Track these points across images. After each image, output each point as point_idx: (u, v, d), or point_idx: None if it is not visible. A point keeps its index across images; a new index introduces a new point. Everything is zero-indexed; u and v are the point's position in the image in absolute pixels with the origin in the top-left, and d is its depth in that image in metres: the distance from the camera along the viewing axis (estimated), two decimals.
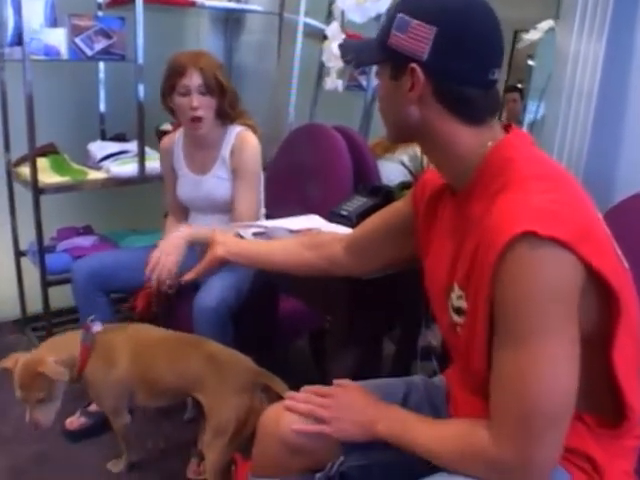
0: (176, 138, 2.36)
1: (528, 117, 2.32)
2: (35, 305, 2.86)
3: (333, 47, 2.03)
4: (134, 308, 2.18)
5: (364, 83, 3.06)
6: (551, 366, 0.91)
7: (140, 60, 2.57)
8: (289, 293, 2.19)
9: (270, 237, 1.82)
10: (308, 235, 1.64)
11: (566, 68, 1.89)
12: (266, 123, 3.07)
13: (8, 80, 2.72)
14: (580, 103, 1.87)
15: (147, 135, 2.77)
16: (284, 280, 1.85)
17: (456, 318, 1.09)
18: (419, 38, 1.02)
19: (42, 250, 2.58)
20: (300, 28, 2.70)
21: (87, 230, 2.91)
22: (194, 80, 2.09)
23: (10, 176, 2.81)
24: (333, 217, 1.96)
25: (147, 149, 2.76)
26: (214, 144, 2.25)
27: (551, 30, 2.24)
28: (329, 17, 2.95)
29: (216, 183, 2.26)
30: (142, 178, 2.73)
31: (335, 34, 1.98)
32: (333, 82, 2.32)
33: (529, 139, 1.11)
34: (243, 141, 2.22)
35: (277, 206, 2.56)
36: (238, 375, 1.81)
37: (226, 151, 2.23)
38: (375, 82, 2.82)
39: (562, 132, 1.92)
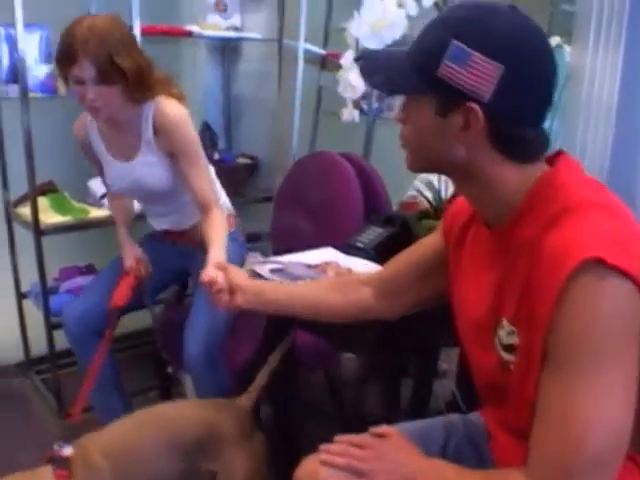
0: (87, 122, 2.05)
1: None
2: (39, 347, 2.79)
3: (349, 77, 1.99)
4: (115, 306, 2.07)
5: (365, 107, 3.02)
6: (606, 399, 0.86)
7: None
8: (306, 329, 2.13)
9: (288, 273, 1.76)
10: (331, 278, 1.56)
11: (582, 84, 1.86)
12: (269, 152, 3.05)
13: (4, 117, 2.67)
14: (599, 119, 1.84)
15: None
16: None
17: (507, 356, 1.02)
18: (482, 75, 0.92)
19: (45, 292, 2.51)
20: (301, 54, 2.68)
21: (90, 269, 2.84)
22: (86, 71, 1.76)
23: (9, 216, 2.75)
24: (349, 249, 1.91)
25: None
26: (132, 126, 1.96)
27: (559, 47, 2.21)
28: (327, 41, 2.93)
29: (147, 171, 2.00)
30: (143, 214, 2.65)
31: (350, 63, 1.94)
32: (350, 113, 2.27)
33: (579, 166, 1.05)
34: (165, 117, 1.92)
35: (286, 238, 2.52)
36: (236, 423, 1.65)
37: (148, 133, 1.95)
38: (376, 105, 2.80)
39: (581, 149, 1.88)
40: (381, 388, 1.74)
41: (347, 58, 2.02)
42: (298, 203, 2.51)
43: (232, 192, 2.99)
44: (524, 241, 0.97)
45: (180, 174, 2.00)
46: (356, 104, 2.86)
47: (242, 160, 3.15)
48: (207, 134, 2.98)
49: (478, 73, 0.92)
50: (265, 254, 2.82)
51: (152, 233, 2.32)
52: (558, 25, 2.37)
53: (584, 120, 1.85)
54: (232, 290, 1.51)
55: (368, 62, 1.11)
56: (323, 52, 2.86)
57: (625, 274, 0.84)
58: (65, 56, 1.76)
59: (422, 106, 1.00)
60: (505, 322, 1.01)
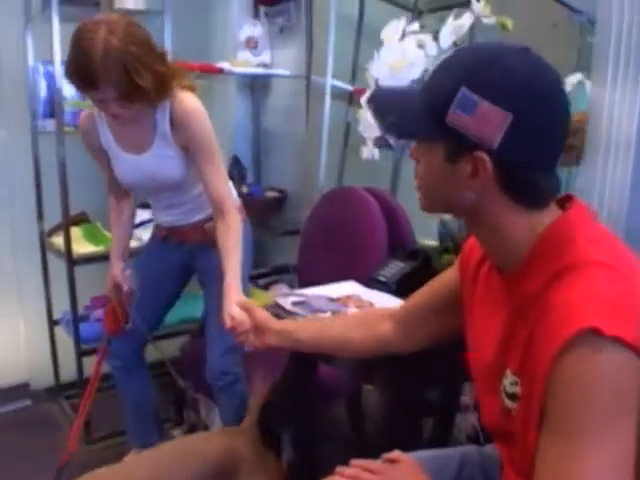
0: (96, 116, 2.02)
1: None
2: (68, 373, 2.86)
3: (368, 116, 2.03)
4: (110, 331, 2.17)
5: (392, 142, 3.05)
6: (600, 473, 0.83)
7: None
8: (328, 362, 2.15)
9: (310, 306, 1.80)
10: (355, 313, 1.56)
11: (601, 120, 1.86)
12: (296, 186, 3.10)
13: (41, 150, 2.78)
14: (618, 155, 1.84)
15: None
16: None
17: (510, 404, 1.02)
18: (490, 124, 0.90)
19: (76, 320, 2.57)
20: (328, 90, 2.73)
21: None
22: (108, 94, 1.75)
23: (44, 245, 2.84)
24: (371, 283, 1.94)
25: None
26: (147, 121, 1.94)
27: (580, 84, 2.23)
28: (354, 78, 2.98)
29: (159, 163, 1.98)
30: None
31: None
32: (370, 151, 2.30)
33: (590, 214, 1.02)
34: (183, 111, 1.91)
35: (312, 270, 2.55)
36: (250, 447, 1.71)
37: (165, 125, 1.93)
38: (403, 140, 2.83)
39: (601, 186, 1.88)
40: (402, 421, 1.74)
41: (367, 98, 2.07)
42: (324, 236, 2.55)
43: (260, 225, 3.07)
44: (530, 294, 0.96)
45: (194, 168, 1.99)
46: (382, 140, 2.91)
47: (270, 193, 3.18)
48: (236, 168, 3.04)
49: (486, 121, 0.90)
50: (291, 286, 2.86)
51: (154, 235, 2.32)
52: (585, 59, 2.37)
53: (603, 157, 1.85)
54: (259, 330, 1.52)
55: (379, 103, 1.11)
56: (350, 88, 2.91)
57: (624, 343, 0.82)
58: (85, 81, 1.73)
59: (432, 151, 0.99)
60: (509, 372, 1.00)
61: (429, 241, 2.35)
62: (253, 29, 3.07)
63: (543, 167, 0.96)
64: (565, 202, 1.03)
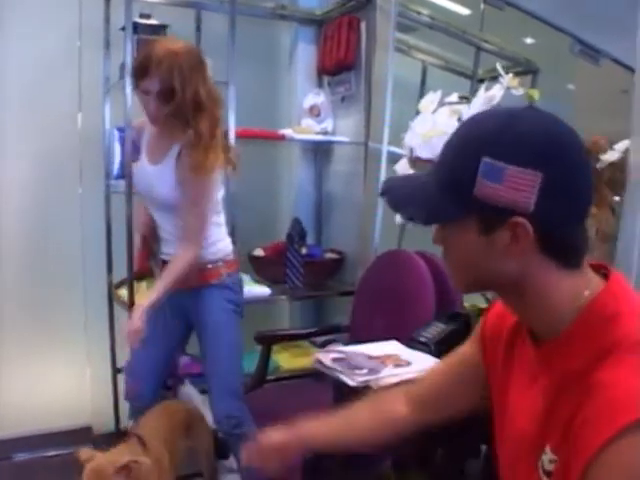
0: (146, 122, 2.27)
1: None
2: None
3: None
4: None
5: None
6: None
7: (232, 189, 2.74)
8: None
9: (349, 363, 1.85)
10: (367, 404, 1.40)
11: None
12: (354, 248, 3.17)
13: (112, 209, 2.97)
14: None
15: (239, 260, 2.90)
16: None
17: None
18: (521, 187, 0.87)
19: (115, 373, 2.72)
20: (384, 156, 2.82)
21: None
22: (152, 86, 2.03)
23: (111, 297, 2.99)
24: (412, 343, 1.98)
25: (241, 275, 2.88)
26: (171, 137, 2.17)
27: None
28: None
29: (161, 177, 2.16)
30: None
31: (404, 170, 2.06)
32: (400, 218, 2.37)
33: (629, 285, 0.98)
34: (190, 160, 2.08)
35: (362, 330, 2.61)
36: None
37: (176, 150, 2.14)
38: None
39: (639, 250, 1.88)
40: None
41: (401, 165, 2.13)
42: (375, 297, 2.61)
43: (319, 285, 3.16)
44: (573, 371, 0.90)
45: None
46: None
47: (330, 255, 3.26)
48: (296, 229, 3.14)
49: (516, 186, 0.87)
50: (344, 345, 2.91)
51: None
52: None
53: None
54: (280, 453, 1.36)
55: (394, 196, 1.06)
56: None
57: None
58: (140, 69, 2.04)
59: (463, 229, 0.94)
60: (549, 449, 0.94)
61: (481, 304, 2.37)
62: (316, 98, 3.22)
63: (578, 221, 0.93)
64: (598, 268, 0.99)
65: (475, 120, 0.98)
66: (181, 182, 2.13)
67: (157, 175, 2.17)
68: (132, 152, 2.40)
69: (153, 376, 2.34)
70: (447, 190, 0.93)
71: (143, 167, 2.24)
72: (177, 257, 2.15)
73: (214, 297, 2.25)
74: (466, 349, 1.27)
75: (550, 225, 0.89)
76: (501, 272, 0.94)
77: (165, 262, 2.28)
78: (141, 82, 2.05)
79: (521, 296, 0.96)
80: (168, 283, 2.11)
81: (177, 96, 2.02)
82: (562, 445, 0.89)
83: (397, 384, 1.58)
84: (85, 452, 1.90)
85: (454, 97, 1.94)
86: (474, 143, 0.92)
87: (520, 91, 1.91)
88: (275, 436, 1.33)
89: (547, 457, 0.93)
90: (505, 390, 1.11)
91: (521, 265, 0.92)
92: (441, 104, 1.95)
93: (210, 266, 2.24)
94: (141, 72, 2.03)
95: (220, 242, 2.28)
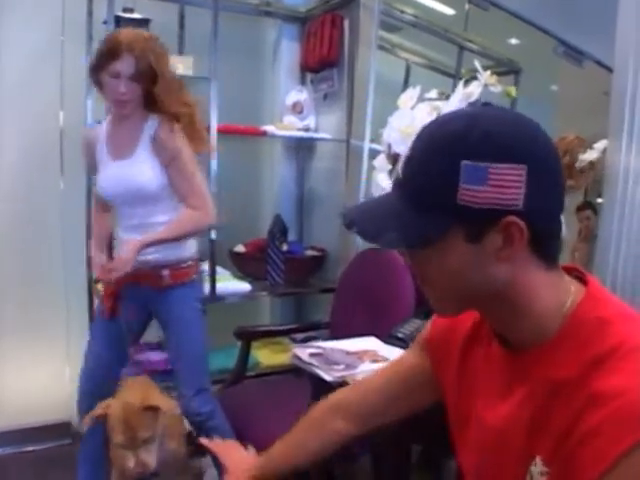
0: (98, 129, 2.26)
1: None
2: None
3: (378, 178, 2.11)
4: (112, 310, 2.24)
5: None
6: None
7: (213, 187, 2.73)
8: None
9: (326, 358, 1.86)
10: (301, 425, 1.36)
11: (617, 183, 1.88)
12: (335, 245, 3.18)
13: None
14: (632, 220, 1.86)
15: (220, 256, 2.91)
16: None
17: None
18: (509, 184, 0.82)
19: None
20: (365, 154, 2.84)
21: (160, 346, 3.01)
22: (126, 66, 2.02)
23: (90, 291, 2.97)
24: (390, 339, 1.99)
25: (219, 269, 2.89)
26: (136, 127, 2.15)
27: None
28: None
29: (138, 168, 2.13)
30: (213, 297, 2.84)
31: (382, 166, 2.07)
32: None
33: (604, 289, 0.95)
34: (163, 131, 2.11)
35: (342, 327, 2.61)
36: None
37: (148, 137, 2.13)
38: None
39: (616, 248, 1.90)
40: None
41: (379, 160, 2.14)
42: (356, 294, 2.61)
43: (300, 282, 3.16)
44: (562, 380, 0.86)
45: (169, 183, 2.14)
46: None
47: (311, 252, 3.27)
48: (278, 226, 3.14)
49: (503, 183, 0.82)
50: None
51: None
52: None
53: (618, 220, 1.86)
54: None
55: (364, 226, 0.93)
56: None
57: None
58: (110, 52, 2.01)
59: (448, 242, 0.87)
60: (539, 460, 0.90)
61: None
62: (299, 94, 3.23)
63: (560, 213, 0.89)
64: (570, 271, 0.96)
65: (437, 125, 0.90)
66: (168, 163, 2.12)
67: (131, 167, 2.13)
68: (90, 167, 2.34)
69: (106, 378, 2.26)
70: (425, 205, 0.86)
71: (109, 168, 2.19)
72: (192, 213, 2.13)
73: (186, 296, 2.24)
74: (409, 357, 1.24)
75: (541, 220, 0.86)
76: (490, 280, 0.88)
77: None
78: (111, 64, 2.02)
79: (505, 305, 0.91)
80: (173, 232, 2.11)
81: (153, 73, 2.04)
82: (556, 457, 0.86)
83: None
84: (97, 408, 1.88)
85: (433, 93, 1.95)
86: (445, 149, 0.85)
87: (498, 88, 1.92)
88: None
89: (537, 469, 0.90)
90: (465, 397, 1.08)
91: (512, 269, 0.87)
92: (420, 100, 1.96)
93: (184, 265, 2.22)
94: (112, 54, 2.01)
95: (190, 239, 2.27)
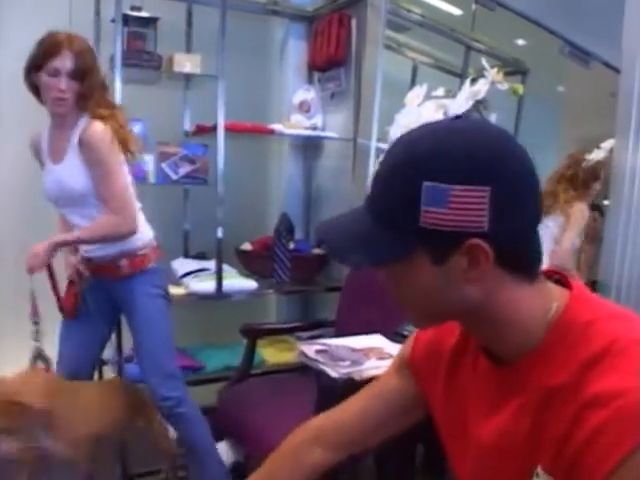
0: (41, 133, 2.25)
1: None
2: None
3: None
4: (63, 309, 2.30)
5: None
6: None
7: (220, 186, 2.75)
8: None
9: (332, 355, 1.87)
10: (279, 454, 1.26)
11: (623, 184, 1.88)
12: None
13: None
14: (638, 222, 1.86)
15: (227, 254, 2.91)
16: None
17: None
18: (471, 206, 0.80)
19: (121, 361, 2.71)
20: (372, 152, 2.85)
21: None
22: (66, 63, 2.02)
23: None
24: (396, 337, 2.00)
25: (226, 267, 2.90)
26: (68, 130, 2.14)
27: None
28: None
29: (68, 172, 2.13)
30: (219, 295, 2.85)
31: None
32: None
33: (589, 291, 0.93)
34: (90, 133, 2.08)
35: (348, 325, 2.62)
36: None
37: (74, 140, 2.11)
38: None
39: (622, 249, 1.90)
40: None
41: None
42: (361, 292, 2.62)
43: (306, 280, 3.17)
44: (556, 386, 0.85)
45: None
46: None
47: (317, 250, 3.25)
48: (284, 224, 3.15)
49: (464, 206, 0.80)
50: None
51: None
52: None
53: (624, 220, 1.86)
54: None
55: (332, 243, 0.93)
56: None
57: None
58: (49, 50, 2.02)
59: (413, 263, 0.86)
60: (541, 470, 0.88)
61: None
62: (306, 93, 3.24)
63: (533, 229, 0.88)
64: (550, 275, 0.96)
65: (403, 144, 0.88)
66: (92, 165, 2.10)
67: (64, 171, 2.14)
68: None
69: (83, 366, 2.37)
70: (388, 226, 0.85)
71: (50, 171, 2.20)
72: (109, 217, 2.13)
73: (144, 284, 2.25)
74: (391, 379, 1.19)
75: (508, 241, 0.83)
76: (462, 300, 0.87)
77: (90, 259, 2.28)
78: (50, 61, 2.02)
79: (486, 320, 0.89)
80: (87, 234, 2.15)
81: (91, 75, 2.06)
82: (557, 463, 0.84)
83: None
84: None
85: (440, 91, 1.95)
86: (409, 169, 0.83)
87: (505, 85, 1.93)
88: None
89: (540, 479, 0.88)
90: (455, 411, 1.05)
91: (483, 288, 0.85)
92: (427, 98, 1.97)
93: (139, 253, 2.23)
94: (51, 51, 2.02)
95: (142, 226, 2.26)
